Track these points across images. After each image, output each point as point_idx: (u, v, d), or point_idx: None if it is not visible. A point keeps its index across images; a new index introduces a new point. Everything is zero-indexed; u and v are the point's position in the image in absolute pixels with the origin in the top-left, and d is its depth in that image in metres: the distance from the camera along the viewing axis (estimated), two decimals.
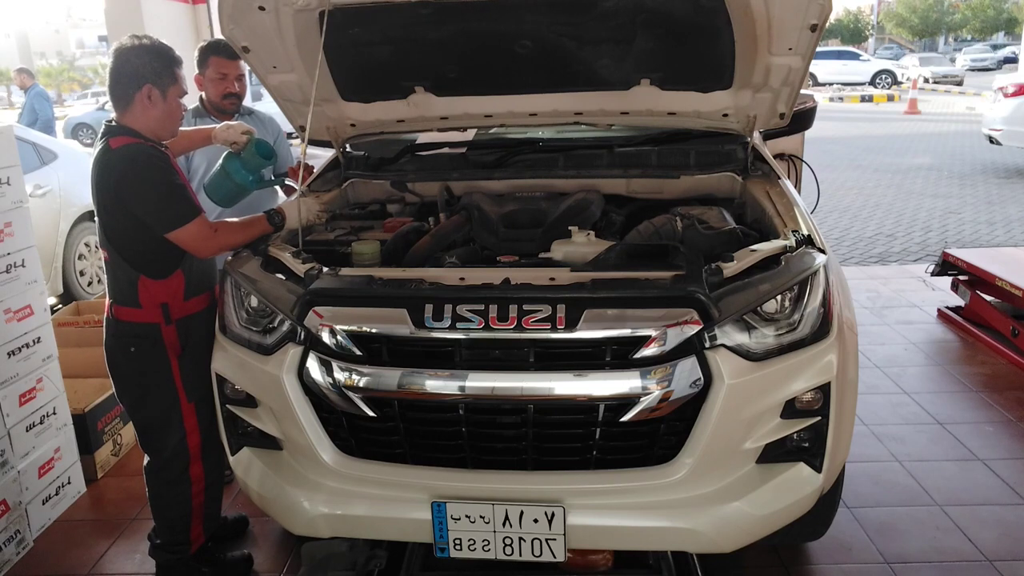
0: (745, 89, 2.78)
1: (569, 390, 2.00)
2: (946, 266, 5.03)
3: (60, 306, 5.15)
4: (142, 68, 2.31)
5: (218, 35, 3.17)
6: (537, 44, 2.70)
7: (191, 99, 3.31)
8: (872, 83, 27.85)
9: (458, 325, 2.02)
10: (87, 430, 3.35)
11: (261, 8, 2.52)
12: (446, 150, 3.33)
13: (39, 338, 3.09)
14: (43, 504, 3.06)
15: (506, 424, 2.06)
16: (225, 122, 2.85)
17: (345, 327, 2.10)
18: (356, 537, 2.40)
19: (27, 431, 2.99)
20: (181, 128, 2.52)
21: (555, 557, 2.06)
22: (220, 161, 2.73)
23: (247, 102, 3.43)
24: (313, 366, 2.12)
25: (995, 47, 40.13)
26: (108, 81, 2.34)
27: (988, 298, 4.70)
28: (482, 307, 2.02)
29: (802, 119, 3.30)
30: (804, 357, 2.06)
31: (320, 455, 2.16)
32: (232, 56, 3.15)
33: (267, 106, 3.55)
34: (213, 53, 3.22)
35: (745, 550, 2.11)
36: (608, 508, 2.06)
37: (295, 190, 2.99)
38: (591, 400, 2.00)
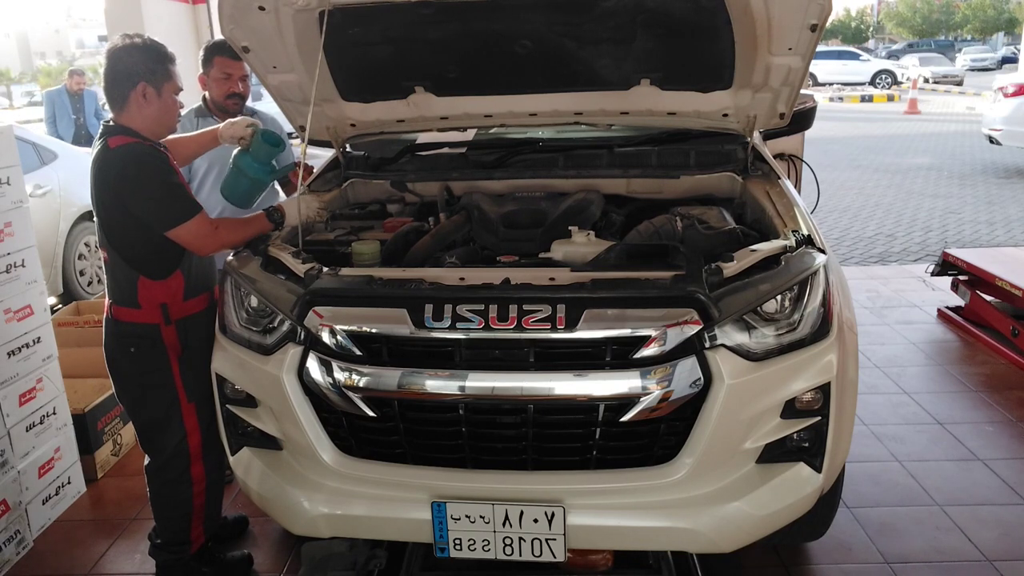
0: (745, 89, 2.78)
1: (569, 390, 2.00)
2: (946, 266, 5.03)
3: (60, 306, 5.14)
4: (135, 66, 2.31)
5: (219, 35, 3.17)
6: (537, 44, 2.70)
7: (194, 99, 3.32)
8: (872, 83, 27.84)
9: (458, 325, 2.02)
10: (87, 430, 3.35)
11: (261, 8, 2.51)
12: (446, 150, 3.32)
13: (39, 338, 3.09)
14: (43, 504, 3.06)
15: (506, 424, 2.06)
16: (228, 120, 2.84)
17: (345, 327, 2.10)
18: (356, 537, 2.40)
19: (27, 431, 2.99)
20: (186, 134, 2.50)
21: (555, 557, 2.06)
22: (231, 161, 2.72)
23: (248, 102, 3.43)
24: (313, 366, 2.12)
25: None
26: (104, 83, 2.35)
27: (988, 298, 4.69)
28: (482, 307, 2.02)
29: (802, 119, 3.29)
30: (804, 357, 2.05)
31: (320, 455, 2.16)
32: (237, 56, 3.14)
33: (268, 106, 3.55)
34: (218, 53, 3.21)
35: (745, 550, 2.11)
36: (608, 508, 2.06)
37: (295, 188, 2.99)
38: (591, 400, 2.00)
